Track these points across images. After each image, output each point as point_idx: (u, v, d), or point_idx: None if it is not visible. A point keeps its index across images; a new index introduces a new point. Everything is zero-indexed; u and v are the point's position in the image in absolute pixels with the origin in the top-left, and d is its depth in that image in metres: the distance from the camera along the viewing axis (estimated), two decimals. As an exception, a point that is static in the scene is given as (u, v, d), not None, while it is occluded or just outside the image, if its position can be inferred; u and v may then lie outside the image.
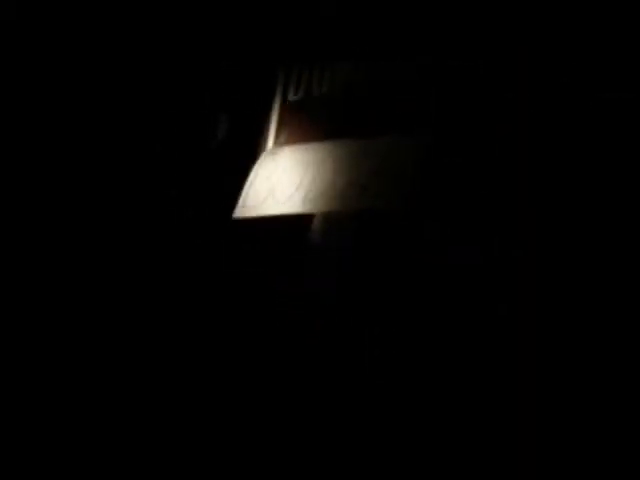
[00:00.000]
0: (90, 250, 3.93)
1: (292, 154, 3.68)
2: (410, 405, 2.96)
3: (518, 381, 2.66)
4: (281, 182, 3.66)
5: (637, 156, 2.55)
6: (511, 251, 2.73)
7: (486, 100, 2.91)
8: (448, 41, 3.05)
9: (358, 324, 3.25)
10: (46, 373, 3.84)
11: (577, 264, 2.63)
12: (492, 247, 2.79)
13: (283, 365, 3.44)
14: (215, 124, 3.88)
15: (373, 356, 3.14)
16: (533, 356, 2.65)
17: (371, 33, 3.35)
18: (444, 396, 2.86)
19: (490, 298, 2.79)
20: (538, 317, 2.66)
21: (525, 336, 2.67)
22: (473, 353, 2.80)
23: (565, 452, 2.54)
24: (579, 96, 2.67)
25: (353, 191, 3.38)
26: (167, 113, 3.95)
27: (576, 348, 2.59)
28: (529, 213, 2.73)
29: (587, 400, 2.54)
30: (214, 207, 3.81)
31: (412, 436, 2.92)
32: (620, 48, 2.59)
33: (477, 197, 2.83)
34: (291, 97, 3.75)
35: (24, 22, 3.84)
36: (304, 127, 3.69)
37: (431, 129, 3.06)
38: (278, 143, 3.80)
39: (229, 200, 3.69)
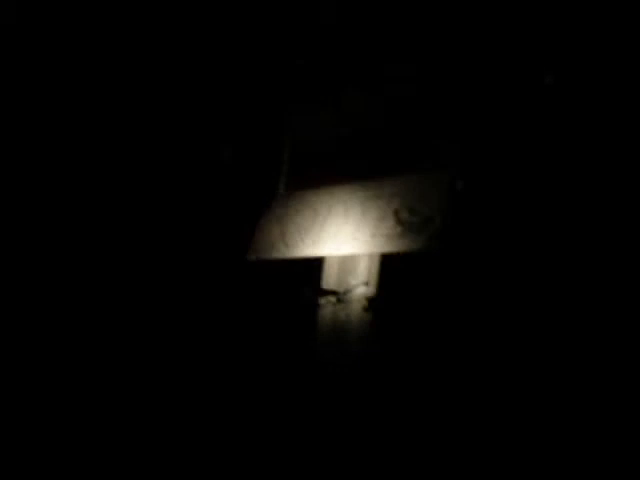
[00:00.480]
0: (94, 253, 3.94)
1: (302, 199, 3.72)
2: (410, 404, 2.95)
3: (518, 381, 2.61)
4: (290, 227, 3.68)
5: (637, 156, 2.54)
6: (509, 251, 2.72)
7: (487, 105, 2.92)
8: (451, 51, 3.09)
9: (358, 323, 3.29)
10: (48, 373, 3.82)
11: (577, 264, 2.60)
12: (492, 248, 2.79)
13: (284, 367, 3.45)
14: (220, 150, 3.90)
15: (373, 356, 3.15)
16: (533, 356, 2.59)
17: (375, 49, 3.38)
18: (444, 395, 2.85)
19: (489, 297, 2.77)
20: (538, 317, 2.62)
21: (525, 336, 2.63)
22: (473, 352, 2.76)
23: (565, 452, 2.47)
24: (579, 98, 2.68)
25: (362, 235, 3.40)
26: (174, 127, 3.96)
27: (576, 347, 2.54)
28: (529, 213, 2.73)
29: (587, 399, 2.48)
30: (226, 247, 3.83)
31: (412, 436, 2.90)
32: (620, 48, 2.60)
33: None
34: (301, 134, 3.78)
35: (24, 26, 3.78)
36: (314, 171, 3.72)
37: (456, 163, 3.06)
38: (289, 187, 3.84)
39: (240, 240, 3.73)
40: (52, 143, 3.97)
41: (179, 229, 3.96)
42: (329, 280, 3.61)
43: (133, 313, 3.89)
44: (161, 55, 3.94)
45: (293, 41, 3.67)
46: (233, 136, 3.92)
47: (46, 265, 3.96)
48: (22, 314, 3.86)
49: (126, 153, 4.00)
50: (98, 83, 3.97)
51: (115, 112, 4.01)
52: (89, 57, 3.90)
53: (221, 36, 3.85)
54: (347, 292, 3.50)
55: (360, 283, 3.46)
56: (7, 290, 3.85)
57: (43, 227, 3.98)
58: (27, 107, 3.90)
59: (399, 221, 3.24)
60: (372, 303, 3.34)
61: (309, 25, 3.57)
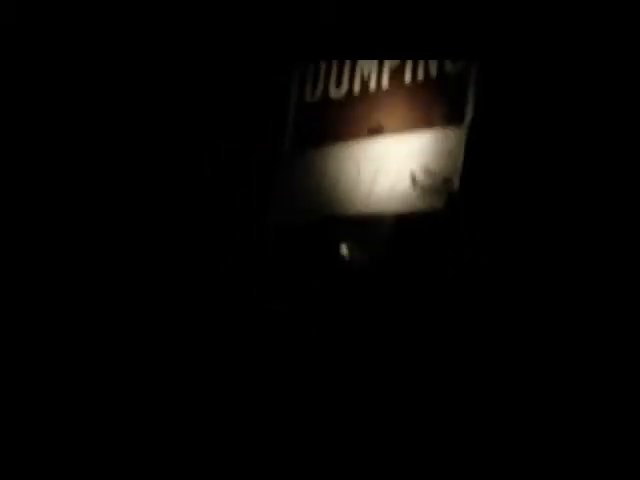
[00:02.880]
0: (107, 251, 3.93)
1: (310, 157, 3.59)
2: (410, 405, 2.93)
3: (517, 381, 2.60)
4: (300, 187, 3.59)
5: (636, 156, 2.44)
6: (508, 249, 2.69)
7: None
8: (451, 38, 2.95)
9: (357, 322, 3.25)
10: (47, 373, 3.82)
11: (575, 264, 2.55)
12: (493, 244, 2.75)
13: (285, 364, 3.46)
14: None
15: (372, 355, 3.12)
16: (532, 355, 2.58)
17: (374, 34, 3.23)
18: (443, 396, 2.83)
19: (488, 294, 2.74)
20: (536, 316, 2.60)
21: (523, 336, 2.61)
22: (473, 352, 2.75)
23: (565, 452, 2.49)
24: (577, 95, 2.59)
25: (376, 196, 3.32)
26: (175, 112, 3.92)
27: (575, 347, 2.52)
28: (527, 211, 2.68)
29: (586, 400, 2.48)
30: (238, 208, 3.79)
31: (411, 437, 2.89)
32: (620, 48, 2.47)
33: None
34: (309, 98, 3.62)
35: (24, 26, 3.70)
36: (322, 129, 3.59)
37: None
38: (297, 144, 3.70)
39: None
40: (51, 142, 3.91)
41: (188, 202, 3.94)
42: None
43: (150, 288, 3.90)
44: (160, 54, 3.89)
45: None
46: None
47: (45, 264, 3.93)
48: (20, 313, 3.84)
49: (126, 143, 3.95)
50: (97, 82, 3.92)
51: (114, 110, 3.96)
52: (89, 57, 3.82)
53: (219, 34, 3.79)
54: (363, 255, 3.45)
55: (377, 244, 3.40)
56: (6, 290, 3.81)
57: (42, 226, 3.95)
58: (27, 107, 3.83)
59: (415, 183, 3.16)
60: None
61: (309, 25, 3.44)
